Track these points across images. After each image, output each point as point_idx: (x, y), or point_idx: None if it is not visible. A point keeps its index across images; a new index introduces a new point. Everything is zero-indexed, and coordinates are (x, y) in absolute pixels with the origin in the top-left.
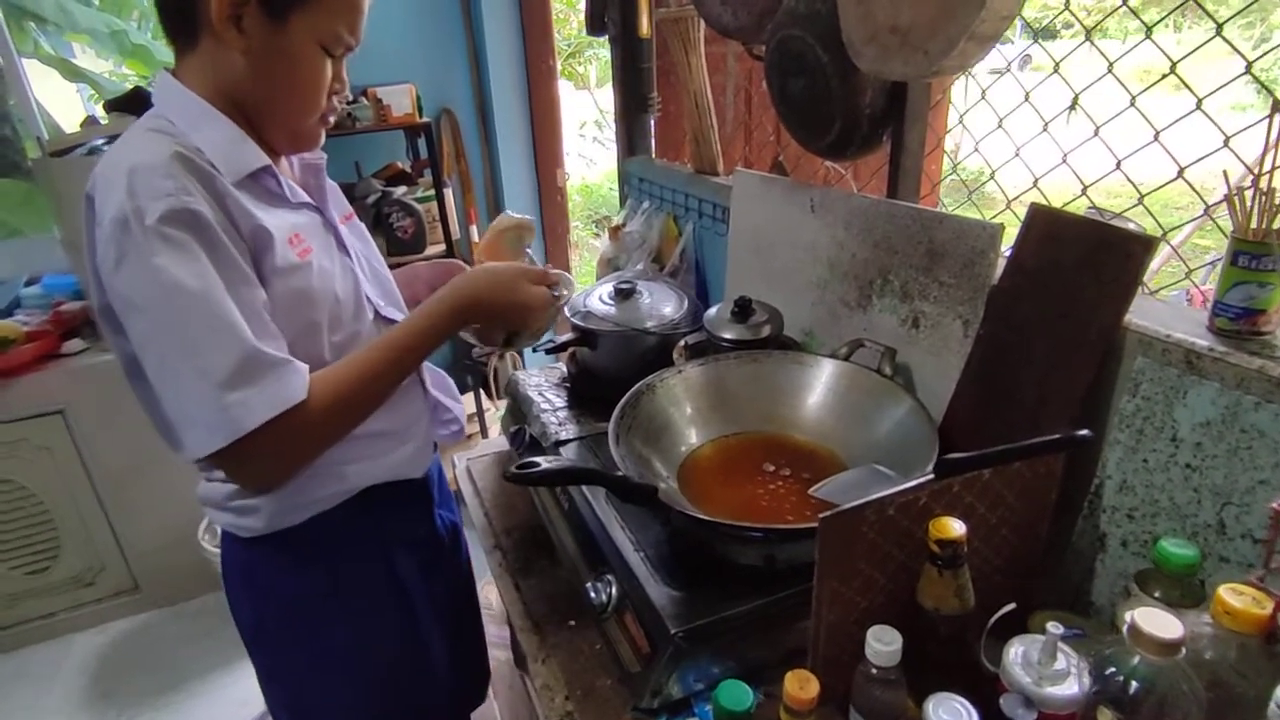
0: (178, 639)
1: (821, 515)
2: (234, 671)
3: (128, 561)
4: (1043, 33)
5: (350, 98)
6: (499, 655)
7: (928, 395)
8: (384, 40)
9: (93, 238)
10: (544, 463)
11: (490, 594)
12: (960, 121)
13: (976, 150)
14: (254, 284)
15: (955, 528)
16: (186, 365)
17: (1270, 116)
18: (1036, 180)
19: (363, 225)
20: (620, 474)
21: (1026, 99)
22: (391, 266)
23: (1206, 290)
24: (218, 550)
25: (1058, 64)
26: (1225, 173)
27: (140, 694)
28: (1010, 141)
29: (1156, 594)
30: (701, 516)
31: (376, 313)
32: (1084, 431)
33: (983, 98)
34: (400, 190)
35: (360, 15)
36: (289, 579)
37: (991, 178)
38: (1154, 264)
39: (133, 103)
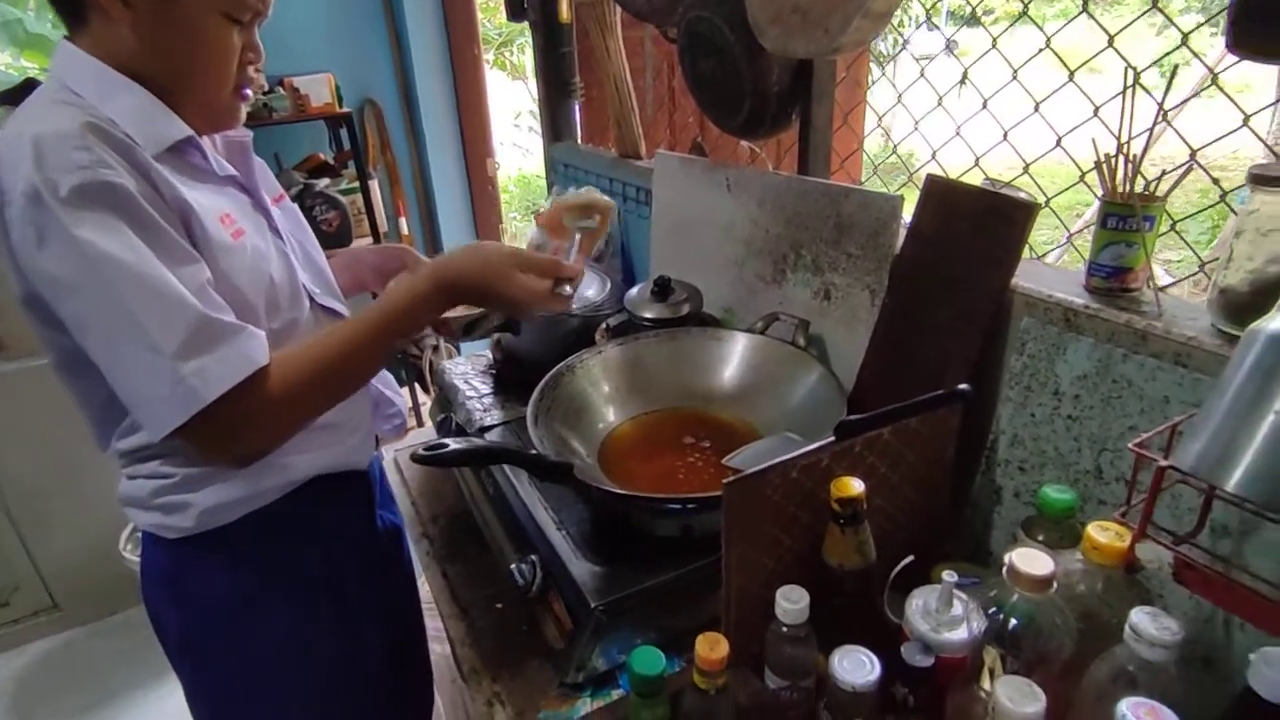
0: (102, 657)
1: (725, 481)
2: (163, 687)
3: (44, 579)
4: (967, 19)
5: (266, 87)
6: (438, 649)
7: (840, 364)
8: (299, 28)
9: (3, 220)
10: (454, 444)
11: (426, 590)
12: (879, 112)
13: (920, 130)
14: (195, 259)
15: (854, 486)
16: (135, 342)
17: (1127, 89)
18: (934, 153)
19: (295, 207)
20: (534, 452)
21: (922, 74)
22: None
23: None
24: None
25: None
26: (1094, 140)
27: (64, 716)
28: (910, 116)
29: (1040, 537)
30: (615, 490)
31: (313, 300)
32: (963, 386)
33: (894, 87)
34: (323, 182)
35: None
36: (220, 580)
37: (893, 153)
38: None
39: (25, 94)
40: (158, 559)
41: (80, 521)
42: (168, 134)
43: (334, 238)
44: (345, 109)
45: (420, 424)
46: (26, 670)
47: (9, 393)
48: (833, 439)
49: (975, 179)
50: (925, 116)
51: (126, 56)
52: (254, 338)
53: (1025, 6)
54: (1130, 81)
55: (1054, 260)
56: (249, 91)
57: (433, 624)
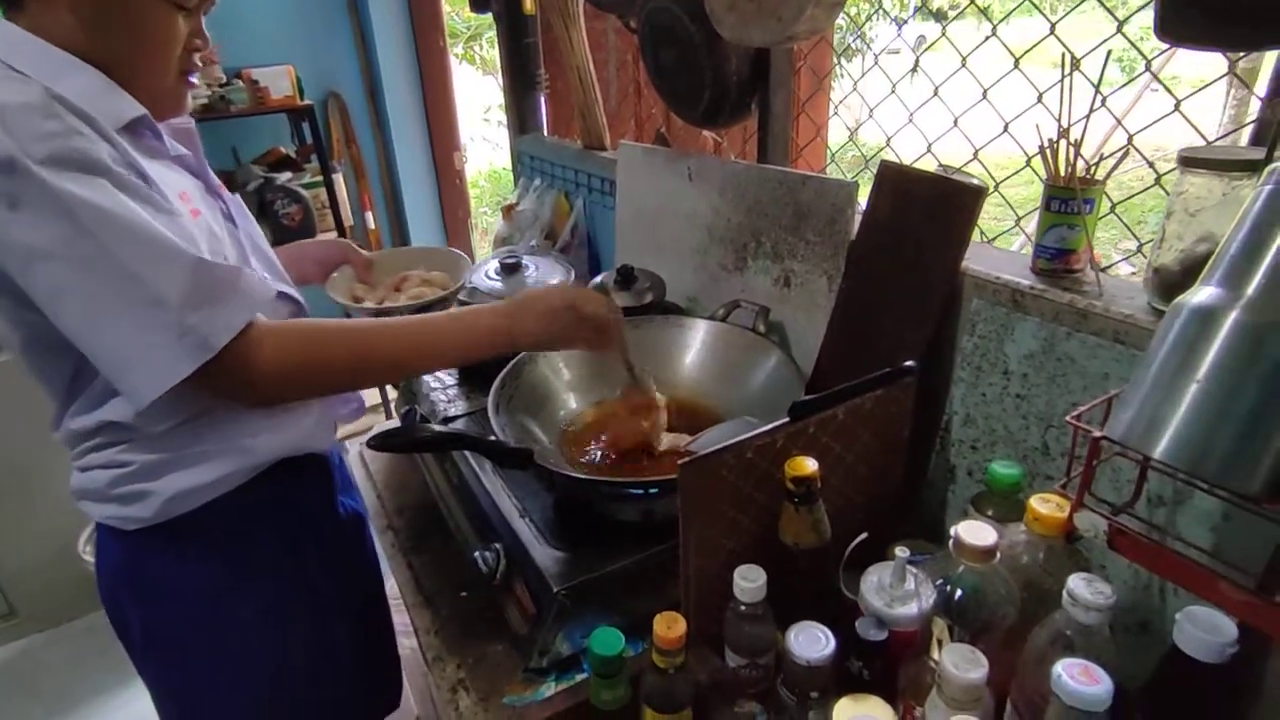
0: (62, 662)
1: (681, 462)
2: (126, 693)
3: (1, 585)
4: (936, 15)
5: (223, 79)
6: (407, 644)
7: (801, 350)
8: (258, 19)
9: None
10: (410, 430)
11: (394, 586)
12: (834, 99)
13: (874, 118)
14: (177, 212)
15: (808, 465)
16: (130, 297)
17: (1065, 75)
18: (889, 139)
19: (239, 198)
20: (493, 439)
21: (876, 63)
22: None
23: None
24: None
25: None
26: (1037, 126)
27: None
28: (864, 104)
29: (989, 512)
30: (575, 475)
31: None
32: (909, 363)
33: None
34: (285, 176)
35: None
36: (183, 572)
37: (850, 140)
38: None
39: None
40: (116, 553)
41: (36, 523)
42: (122, 112)
43: (296, 232)
44: (307, 101)
45: (389, 416)
46: None
47: None
48: (787, 420)
49: (927, 165)
50: (878, 105)
51: (67, 39)
52: (253, 277)
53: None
54: (1069, 69)
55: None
56: (195, 79)
57: (400, 619)
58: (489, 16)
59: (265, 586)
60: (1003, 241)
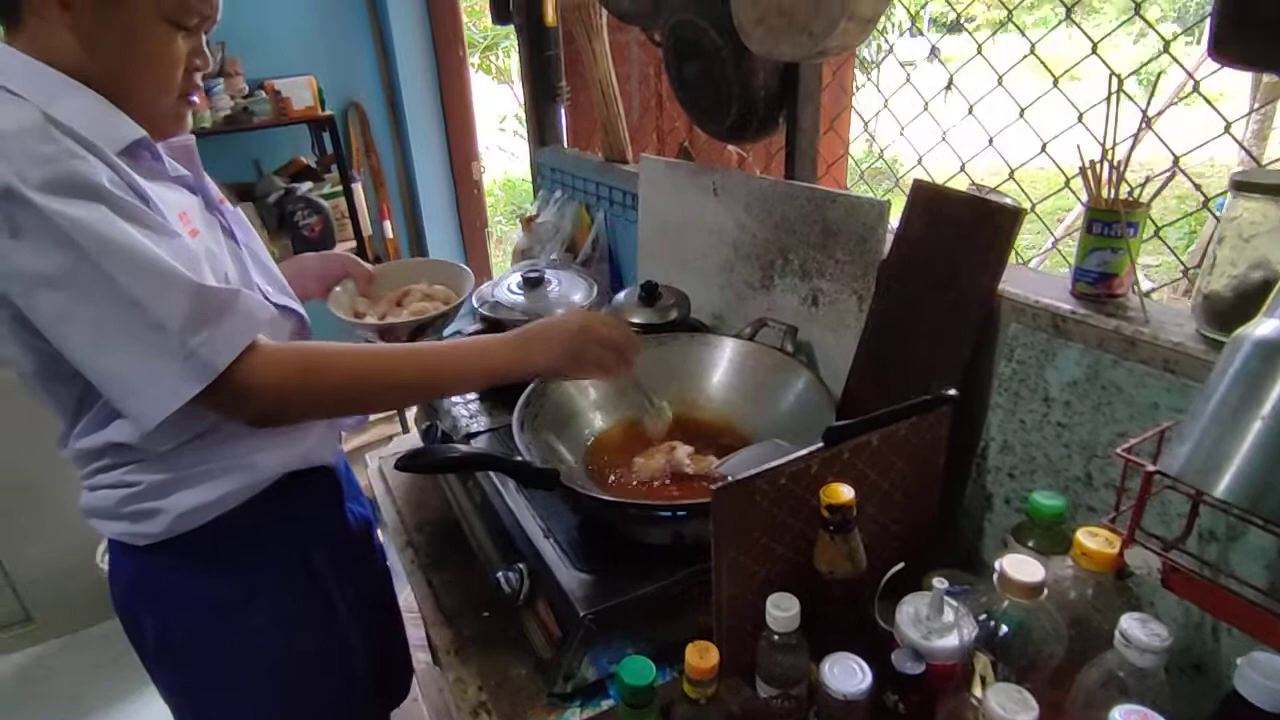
0: (77, 670)
1: (714, 487)
2: (140, 701)
3: (16, 590)
4: (950, 26)
5: (246, 90)
6: (423, 658)
7: (829, 370)
8: (281, 30)
9: None
10: (436, 451)
11: (410, 598)
12: (865, 117)
13: (905, 136)
14: (176, 234)
15: (844, 493)
16: (133, 323)
17: (1111, 96)
18: (920, 159)
19: (240, 211)
20: (520, 459)
21: (942, 95)
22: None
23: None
24: None
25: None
26: (1079, 147)
27: None
28: (897, 121)
29: (1030, 544)
30: (603, 497)
31: (267, 299)
32: (950, 391)
33: (881, 90)
34: (305, 186)
35: None
36: (196, 584)
37: (879, 158)
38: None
39: None
40: (129, 566)
41: (55, 531)
42: (122, 134)
43: (316, 243)
44: (328, 112)
45: (405, 430)
46: (1, 684)
47: None
48: (821, 445)
49: (959, 184)
50: (911, 123)
51: (65, 60)
52: (252, 299)
53: (1010, 13)
54: (1114, 88)
55: (1035, 265)
56: (195, 98)
57: (415, 633)
58: (506, 27)
59: (277, 596)
60: (1024, 254)
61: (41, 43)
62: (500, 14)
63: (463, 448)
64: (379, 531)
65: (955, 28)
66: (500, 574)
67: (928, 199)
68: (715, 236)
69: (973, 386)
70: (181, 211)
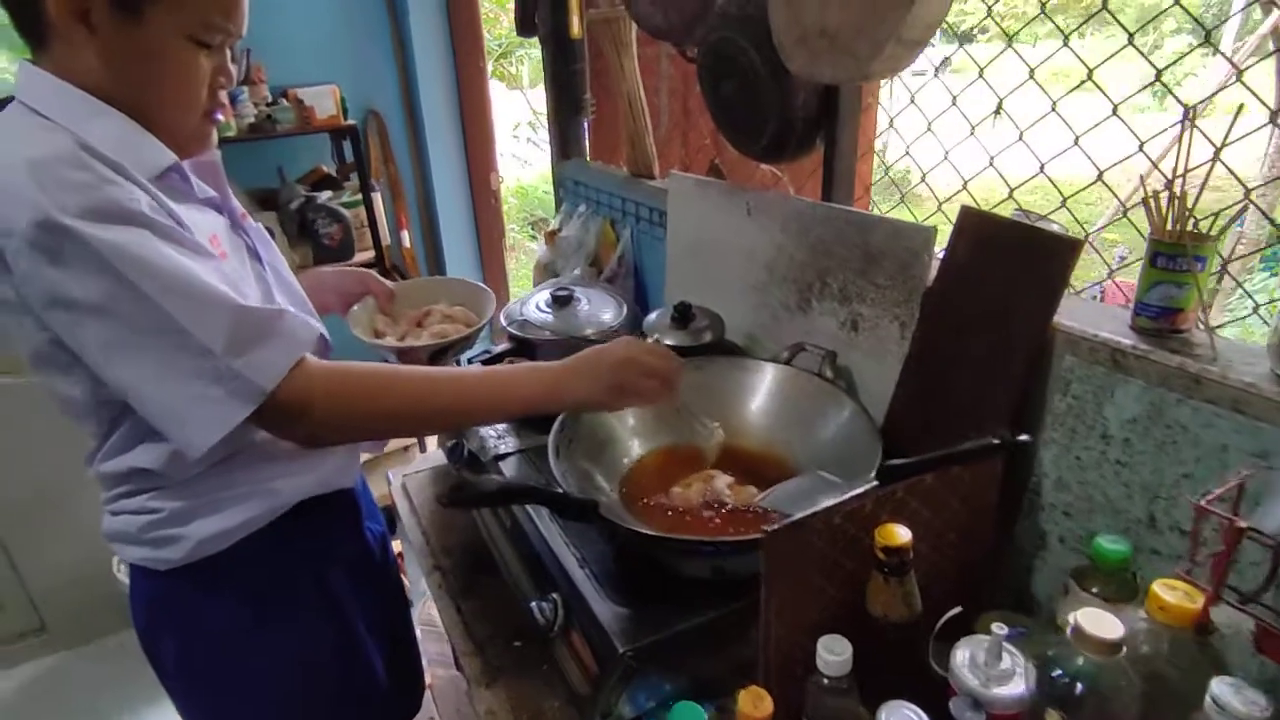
0: (91, 680)
1: (767, 529)
2: (154, 713)
3: (32, 599)
4: (962, 37)
5: (270, 98)
6: (440, 673)
7: (869, 397)
8: (306, 40)
9: (0, 259)
10: (478, 482)
11: (432, 610)
12: (891, 125)
13: (907, 154)
14: (215, 257)
15: (901, 534)
16: (178, 349)
17: (1184, 125)
18: (965, 183)
19: (261, 227)
20: (560, 490)
21: (954, 103)
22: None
23: (1124, 285)
24: None
25: (982, 69)
26: (1142, 178)
27: None
28: (939, 144)
29: (1094, 590)
30: (646, 532)
31: None
32: (1024, 436)
33: (912, 101)
34: (325, 195)
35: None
36: (216, 607)
37: (923, 180)
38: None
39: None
40: (149, 589)
41: (71, 540)
42: (155, 160)
43: (336, 252)
44: (350, 121)
45: (423, 449)
46: (12, 695)
47: None
48: (876, 483)
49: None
50: (956, 146)
51: (91, 81)
52: (296, 319)
53: (1066, 37)
54: (1188, 117)
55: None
56: (220, 116)
57: (436, 648)
58: (529, 37)
59: (295, 617)
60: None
61: (67, 64)
62: (525, 25)
63: (502, 479)
64: (394, 542)
65: (966, 39)
66: (534, 604)
67: (976, 225)
68: (749, 257)
69: (1024, 420)
70: (212, 234)
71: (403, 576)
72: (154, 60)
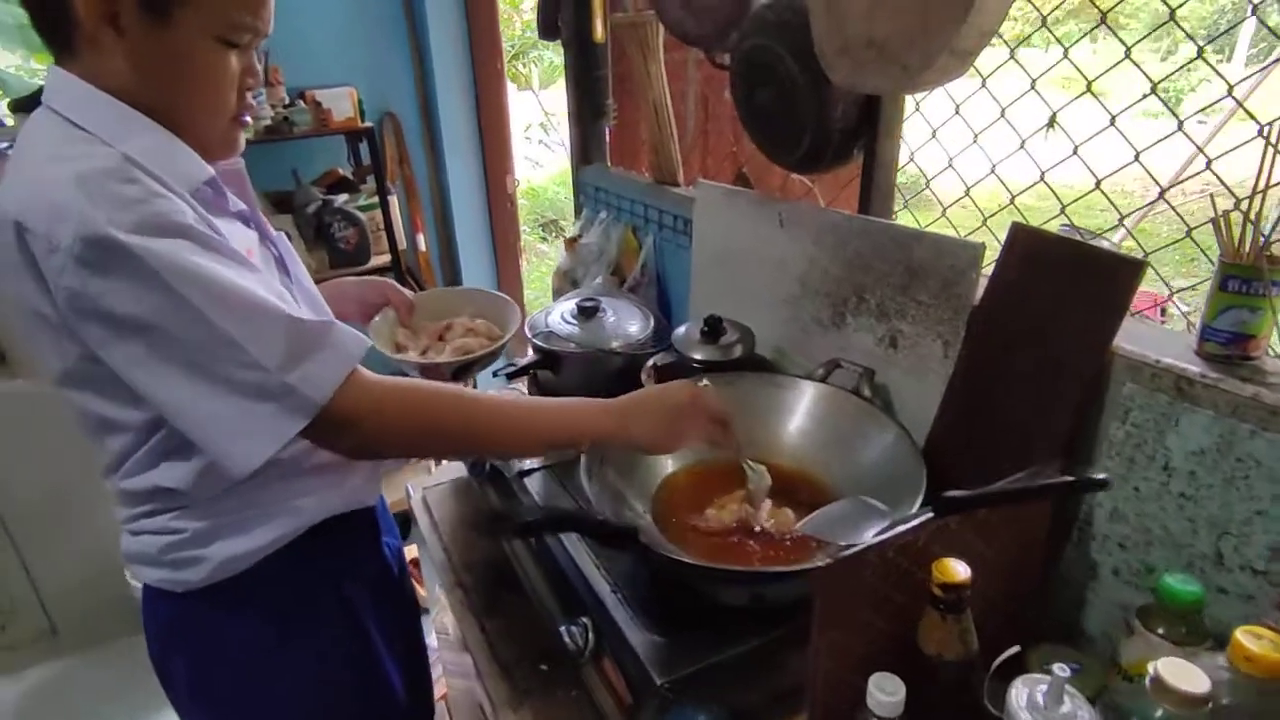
0: (101, 685)
1: (820, 565)
2: (166, 715)
3: (43, 603)
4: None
5: (286, 100)
6: (457, 683)
7: (908, 417)
8: (323, 41)
9: (38, 274)
10: (520, 511)
11: (446, 619)
12: (934, 135)
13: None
14: (259, 270)
15: (959, 571)
16: (230, 365)
17: (1269, 145)
18: (1014, 198)
19: (284, 236)
20: (600, 517)
21: (1003, 115)
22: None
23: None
24: None
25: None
26: (1213, 198)
27: None
28: (986, 157)
29: (1160, 631)
30: (690, 562)
31: None
32: (1102, 475)
33: (957, 112)
34: (342, 198)
35: None
36: (233, 630)
37: (966, 194)
38: None
39: (36, 103)
40: (164, 611)
41: (83, 543)
42: (194, 174)
43: (352, 256)
44: (366, 123)
45: (438, 461)
46: (23, 698)
47: (12, 411)
48: (931, 515)
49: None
50: (1005, 159)
51: (118, 86)
52: (346, 331)
53: (1066, 50)
54: (1271, 138)
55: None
56: (248, 118)
57: (451, 656)
58: (534, 35)
59: (318, 636)
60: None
61: (95, 69)
62: (547, 29)
63: (542, 507)
64: (409, 548)
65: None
66: (564, 628)
67: (1027, 242)
68: (780, 269)
69: (1078, 447)
70: (247, 248)
71: (417, 585)
72: (183, 62)
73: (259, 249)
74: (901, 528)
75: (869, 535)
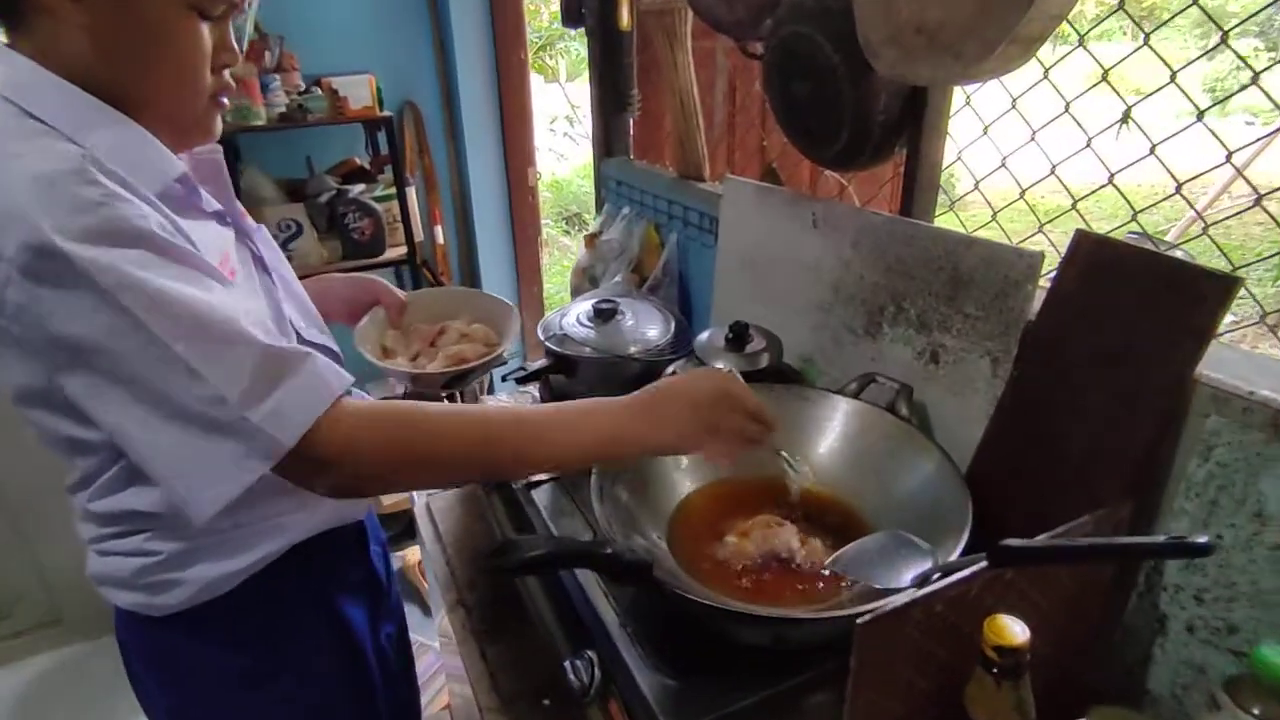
0: (107, 673)
1: (861, 621)
2: None
3: (49, 590)
4: None
5: (302, 86)
6: (458, 689)
7: (947, 439)
8: (341, 26)
9: None
10: (523, 546)
11: (448, 624)
12: (985, 132)
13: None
14: (230, 284)
15: (1017, 633)
16: (188, 397)
17: None
18: (1075, 202)
19: (264, 229)
20: (610, 551)
21: (1067, 110)
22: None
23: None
24: None
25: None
26: None
27: None
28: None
29: (1255, 711)
30: (712, 604)
31: (299, 336)
32: (1203, 539)
33: (1014, 106)
34: (358, 188)
35: None
36: (215, 657)
37: (1021, 198)
38: None
39: None
40: (141, 636)
41: None
42: (164, 171)
43: (366, 247)
44: (385, 112)
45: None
46: (28, 686)
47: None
48: (984, 564)
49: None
50: (1068, 159)
51: (77, 63)
52: (322, 362)
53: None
54: None
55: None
56: (225, 100)
57: (454, 661)
58: (561, 27)
59: (305, 656)
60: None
61: (50, 46)
62: (570, 16)
63: (550, 540)
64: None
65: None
66: (568, 663)
67: (1093, 252)
68: (811, 273)
69: (1147, 483)
70: (223, 253)
71: (421, 584)
72: (151, 34)
73: (235, 249)
74: (951, 578)
75: (908, 577)
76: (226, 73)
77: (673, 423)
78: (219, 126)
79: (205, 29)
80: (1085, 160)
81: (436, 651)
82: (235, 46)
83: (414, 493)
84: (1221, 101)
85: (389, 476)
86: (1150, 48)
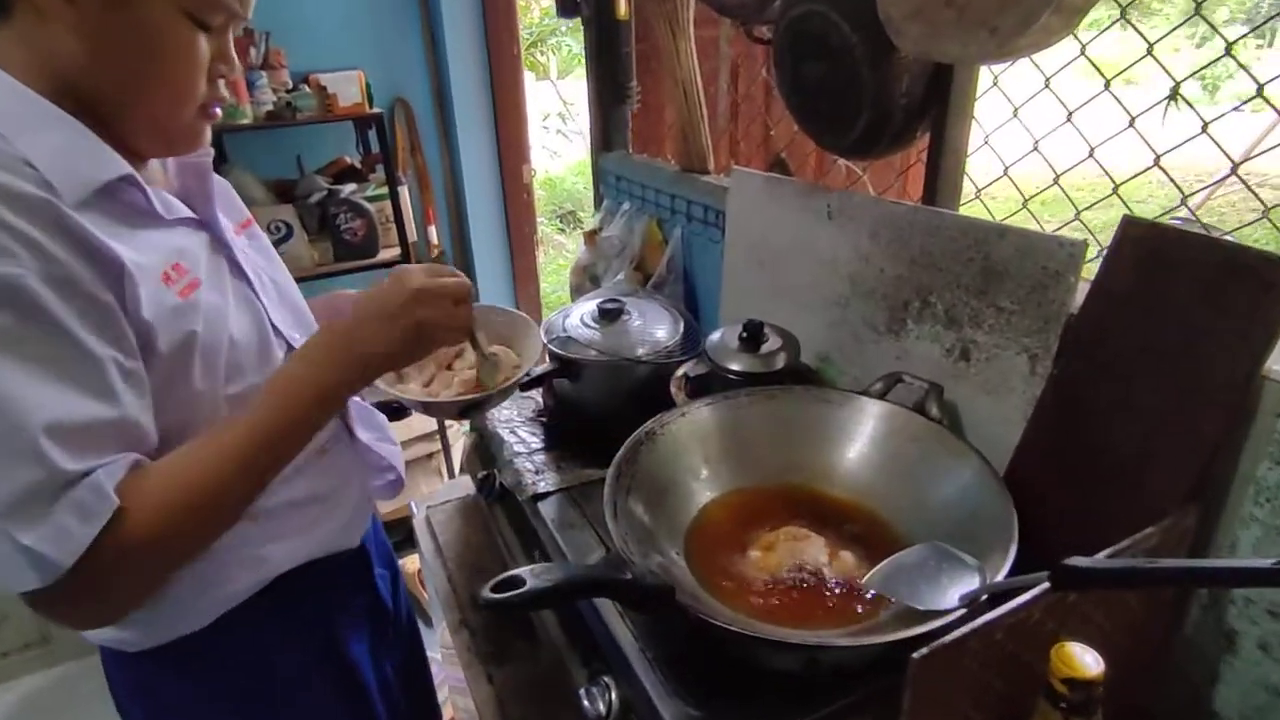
0: (96, 694)
1: (918, 656)
2: None
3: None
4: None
5: (290, 84)
6: (460, 701)
7: (981, 440)
8: (329, 22)
9: None
10: (528, 577)
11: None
12: (1015, 114)
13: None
14: (100, 359)
15: (1090, 664)
16: None
17: None
18: (1116, 188)
19: (262, 233)
20: (626, 577)
21: (1107, 87)
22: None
23: None
24: None
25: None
26: None
27: None
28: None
29: None
30: (740, 630)
31: (290, 346)
32: None
33: (1046, 86)
34: (349, 188)
35: None
36: (203, 694)
37: (1055, 183)
38: None
39: None
40: (122, 671)
41: None
42: (95, 173)
43: (359, 248)
44: (375, 109)
45: (451, 474)
46: (15, 708)
47: None
48: (1047, 586)
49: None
50: (1105, 142)
51: (61, 64)
52: (96, 487)
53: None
54: None
55: None
56: (218, 110)
57: (455, 674)
58: (552, 23)
59: (292, 691)
60: None
61: (35, 44)
62: (566, 7)
63: (559, 574)
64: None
65: None
66: (583, 690)
67: (1144, 241)
68: (826, 267)
69: (1209, 488)
70: (174, 263)
71: (421, 595)
72: (145, 39)
73: (208, 255)
74: (1012, 604)
75: (954, 597)
76: (221, 82)
77: (378, 342)
78: (208, 135)
79: (203, 39)
80: (1112, 147)
81: (439, 663)
82: (234, 58)
83: (413, 504)
84: None
85: (168, 555)
86: (1202, 16)
